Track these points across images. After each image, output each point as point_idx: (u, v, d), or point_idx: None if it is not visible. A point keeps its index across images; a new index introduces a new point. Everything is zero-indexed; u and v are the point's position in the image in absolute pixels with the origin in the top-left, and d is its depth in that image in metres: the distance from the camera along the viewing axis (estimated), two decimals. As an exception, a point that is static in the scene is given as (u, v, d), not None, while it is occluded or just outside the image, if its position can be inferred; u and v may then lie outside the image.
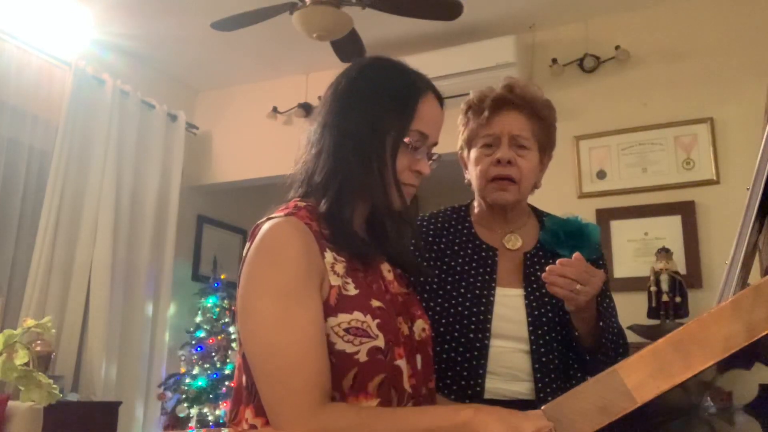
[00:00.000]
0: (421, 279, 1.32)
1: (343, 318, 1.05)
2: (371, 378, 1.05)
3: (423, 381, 1.16)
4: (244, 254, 1.11)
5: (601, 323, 1.36)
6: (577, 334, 1.38)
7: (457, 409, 0.98)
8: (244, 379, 1.10)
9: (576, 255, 1.30)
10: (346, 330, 1.04)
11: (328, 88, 1.22)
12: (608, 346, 1.37)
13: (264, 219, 1.13)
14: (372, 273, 1.15)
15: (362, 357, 1.04)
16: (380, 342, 1.06)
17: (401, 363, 1.09)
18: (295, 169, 1.22)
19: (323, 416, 0.97)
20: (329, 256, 1.08)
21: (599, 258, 1.54)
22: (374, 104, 1.15)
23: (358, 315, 1.05)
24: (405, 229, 1.23)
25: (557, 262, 1.30)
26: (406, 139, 1.14)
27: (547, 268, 1.30)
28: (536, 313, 1.41)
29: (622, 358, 1.42)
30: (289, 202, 1.17)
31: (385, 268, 1.19)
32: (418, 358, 1.16)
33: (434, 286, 1.41)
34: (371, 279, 1.13)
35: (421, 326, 1.19)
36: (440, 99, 1.22)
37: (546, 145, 1.53)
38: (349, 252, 1.11)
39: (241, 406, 1.09)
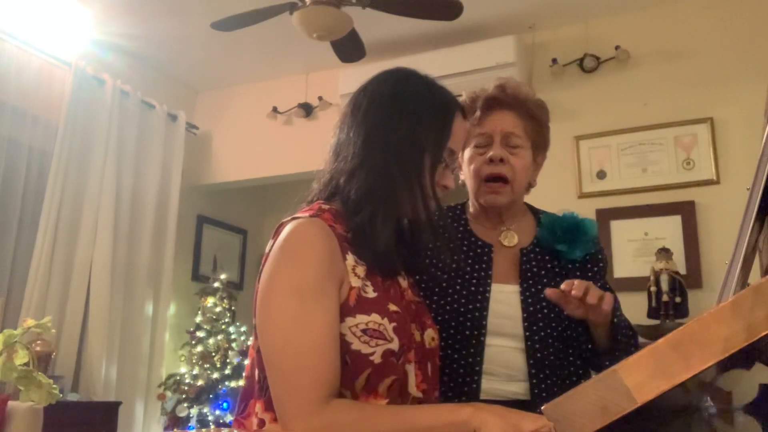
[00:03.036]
0: (417, 277, 1.34)
1: (361, 319, 1.07)
2: (383, 379, 1.07)
3: (432, 388, 1.18)
4: (266, 251, 1.14)
5: (615, 320, 1.36)
6: (593, 338, 1.39)
7: (458, 408, 1.00)
8: (256, 373, 1.12)
9: (547, 291, 1.29)
10: (364, 331, 1.06)
11: (361, 94, 1.22)
12: (623, 342, 1.38)
13: (289, 218, 1.15)
14: (390, 278, 1.17)
15: (377, 359, 1.06)
16: (395, 345, 1.08)
17: (410, 367, 1.12)
18: (322, 172, 1.22)
19: (327, 412, 0.99)
20: (351, 258, 1.11)
21: (598, 252, 1.54)
22: (416, 122, 1.17)
23: (375, 317, 1.08)
24: (440, 235, 1.25)
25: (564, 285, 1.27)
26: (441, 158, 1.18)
27: (575, 294, 1.26)
28: (531, 309, 1.41)
29: (636, 350, 1.43)
30: (312, 203, 1.19)
31: (400, 276, 1.21)
32: (429, 365, 1.18)
33: (430, 284, 1.42)
34: (389, 284, 1.16)
35: (431, 335, 1.22)
36: (465, 114, 1.27)
37: (539, 144, 1.54)
38: (375, 269, 1.13)
39: (252, 400, 1.12)
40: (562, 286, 1.27)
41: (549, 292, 1.30)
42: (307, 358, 1.01)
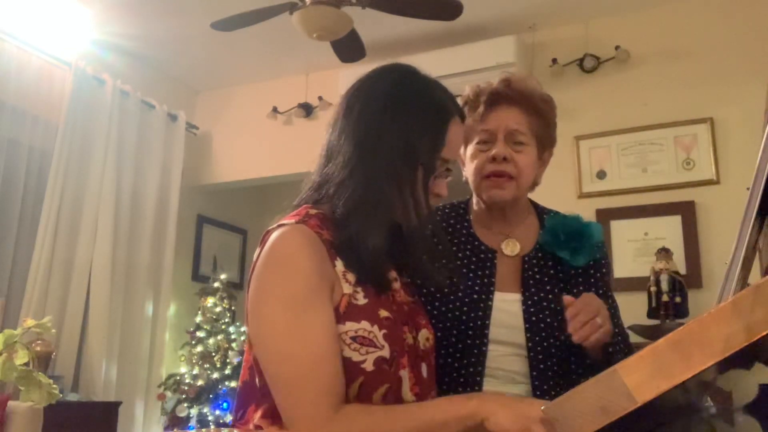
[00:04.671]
0: (419, 282, 1.31)
1: (351, 326, 1.05)
2: (376, 388, 1.06)
3: (427, 390, 1.16)
4: (254, 259, 1.12)
5: (610, 349, 1.33)
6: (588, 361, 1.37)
7: (464, 400, 1.00)
8: (257, 379, 1.10)
9: (565, 299, 1.27)
10: (353, 338, 1.05)
11: (354, 95, 1.18)
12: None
13: (275, 225, 1.12)
14: (380, 287, 1.14)
15: (369, 366, 1.05)
16: (386, 352, 1.07)
17: (404, 373, 1.10)
18: (313, 174, 1.19)
19: (338, 420, 0.99)
20: (340, 264, 1.09)
21: (602, 257, 1.50)
22: (408, 130, 1.12)
23: (365, 324, 1.06)
24: (433, 247, 1.22)
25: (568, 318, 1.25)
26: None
27: (570, 330, 1.24)
28: (534, 318, 1.39)
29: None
30: (299, 207, 1.16)
31: (392, 277, 1.18)
32: (423, 366, 1.16)
33: (432, 289, 1.38)
34: (380, 288, 1.13)
35: (425, 336, 1.20)
36: (463, 118, 1.22)
37: (545, 141, 1.49)
38: (365, 280, 1.10)
39: (252, 406, 1.10)
40: (567, 314, 1.24)
41: (567, 300, 1.27)
42: (311, 368, 1.00)
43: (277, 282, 1.06)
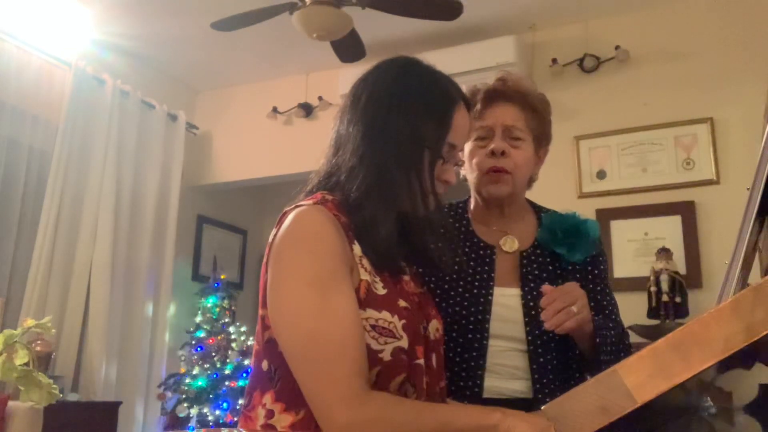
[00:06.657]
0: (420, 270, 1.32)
1: (371, 314, 1.06)
2: (393, 377, 1.06)
3: (436, 380, 1.17)
4: (270, 240, 1.12)
5: (597, 339, 1.34)
6: (578, 352, 1.38)
7: (488, 412, 1.01)
8: (265, 364, 1.09)
9: (543, 288, 1.28)
10: (373, 326, 1.05)
11: (360, 85, 1.20)
12: (607, 361, 1.36)
13: (292, 206, 1.13)
14: (395, 274, 1.16)
15: (386, 356, 1.05)
16: (404, 342, 1.07)
17: (421, 362, 1.11)
18: (322, 165, 1.21)
19: (371, 405, 0.99)
20: (357, 248, 1.10)
21: (599, 254, 1.52)
22: (414, 116, 1.14)
23: (386, 315, 1.07)
24: (440, 233, 1.23)
25: (542, 315, 1.27)
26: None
27: (542, 317, 1.26)
28: (533, 313, 1.40)
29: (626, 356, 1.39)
30: (312, 193, 1.17)
31: (403, 266, 1.19)
32: (433, 357, 1.17)
33: (432, 285, 1.40)
34: (396, 278, 1.15)
35: (435, 326, 1.20)
36: (469, 106, 1.24)
37: (541, 137, 1.52)
38: (380, 266, 1.11)
39: (257, 392, 1.10)
40: (541, 303, 1.26)
41: (544, 289, 1.29)
42: (341, 348, 0.99)
43: (302, 261, 1.05)
